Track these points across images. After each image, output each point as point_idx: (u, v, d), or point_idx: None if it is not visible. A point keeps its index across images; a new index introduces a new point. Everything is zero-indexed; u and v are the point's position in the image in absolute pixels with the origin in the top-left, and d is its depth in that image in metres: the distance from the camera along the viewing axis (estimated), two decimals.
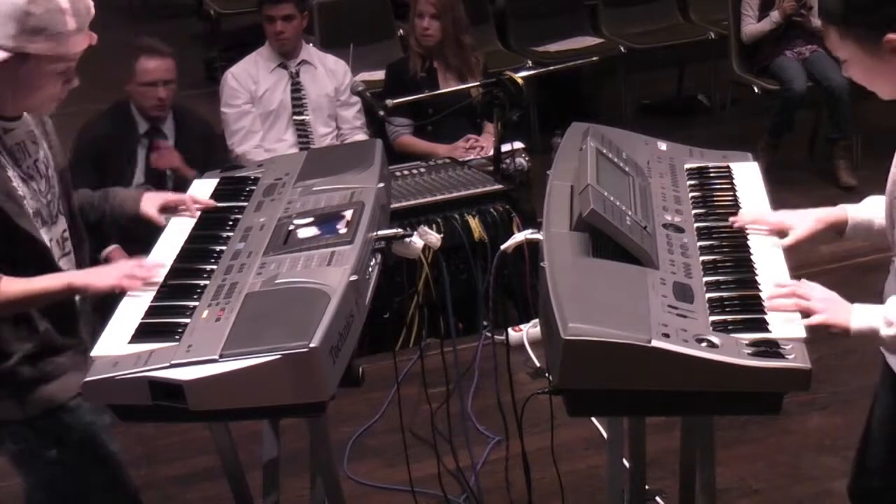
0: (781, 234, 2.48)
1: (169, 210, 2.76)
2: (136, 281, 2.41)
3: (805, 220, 2.47)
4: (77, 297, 2.53)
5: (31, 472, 2.60)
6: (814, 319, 2.16)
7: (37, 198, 2.46)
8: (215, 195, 2.82)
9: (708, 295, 2.26)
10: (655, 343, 2.02)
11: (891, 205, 2.31)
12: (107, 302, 2.44)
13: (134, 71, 4.41)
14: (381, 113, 4.29)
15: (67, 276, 2.41)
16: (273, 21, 4.88)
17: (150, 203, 2.74)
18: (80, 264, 2.58)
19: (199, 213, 2.75)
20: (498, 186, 4.32)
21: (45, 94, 2.38)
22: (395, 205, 3.87)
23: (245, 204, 2.75)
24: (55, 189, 2.54)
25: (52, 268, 2.46)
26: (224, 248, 2.55)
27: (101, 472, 2.62)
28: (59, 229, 2.54)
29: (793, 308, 2.19)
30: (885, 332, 2.14)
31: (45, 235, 2.46)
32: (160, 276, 2.46)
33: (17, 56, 2.28)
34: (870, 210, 2.45)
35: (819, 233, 2.47)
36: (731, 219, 2.54)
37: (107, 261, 4.09)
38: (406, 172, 4.46)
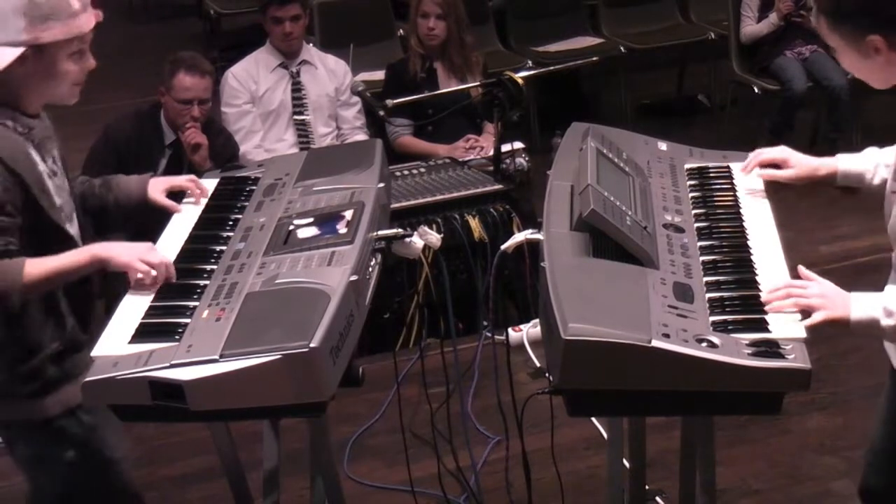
0: (781, 165, 2.62)
1: (174, 195, 2.77)
2: (150, 279, 2.38)
3: (805, 165, 2.60)
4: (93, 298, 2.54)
5: (43, 475, 2.58)
6: (814, 318, 2.14)
7: (61, 194, 2.48)
8: (215, 195, 2.83)
9: (708, 295, 2.26)
10: (655, 343, 2.02)
11: (889, 199, 2.31)
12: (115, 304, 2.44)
13: (170, 84, 4.30)
14: (381, 113, 4.29)
15: (90, 249, 2.40)
16: (281, 22, 4.87)
17: (157, 188, 2.75)
18: None
19: (202, 203, 2.77)
20: (498, 186, 4.32)
21: (67, 81, 2.41)
22: (395, 205, 3.86)
23: (245, 204, 2.75)
24: (69, 187, 2.56)
25: None
26: (224, 248, 2.55)
27: (110, 474, 2.61)
28: (76, 225, 2.55)
29: (792, 307, 2.18)
30: (885, 322, 2.12)
31: (70, 231, 2.48)
32: (172, 277, 2.43)
33: (33, 49, 2.31)
34: (863, 162, 2.53)
35: (814, 179, 2.59)
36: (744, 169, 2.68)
37: None
38: (406, 172, 4.45)
